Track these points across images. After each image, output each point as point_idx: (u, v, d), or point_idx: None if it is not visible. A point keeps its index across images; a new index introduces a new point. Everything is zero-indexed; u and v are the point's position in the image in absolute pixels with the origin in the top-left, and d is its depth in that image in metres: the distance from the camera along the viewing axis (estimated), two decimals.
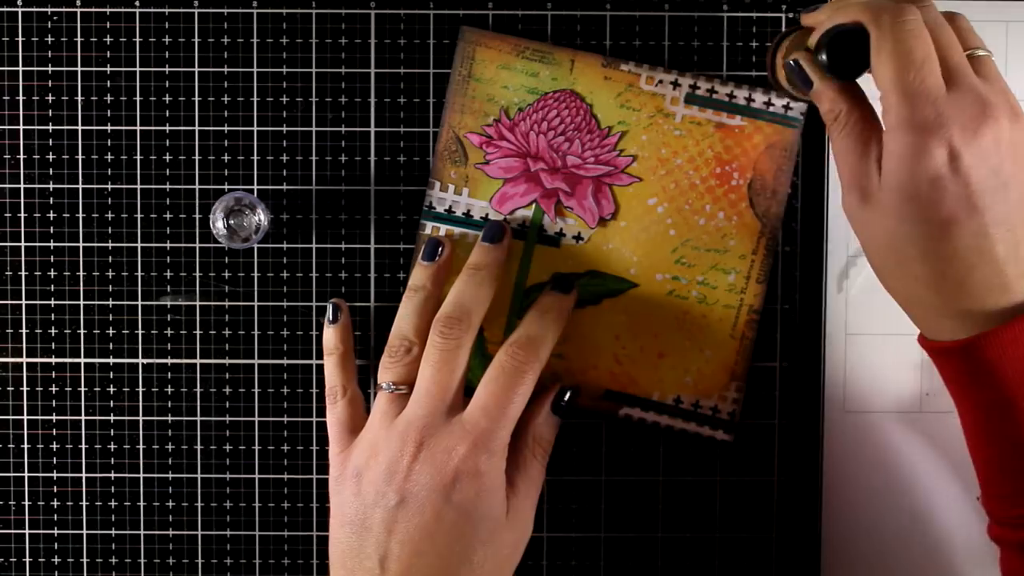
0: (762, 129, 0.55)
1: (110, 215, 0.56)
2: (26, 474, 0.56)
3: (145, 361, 0.56)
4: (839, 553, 0.57)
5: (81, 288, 0.56)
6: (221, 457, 0.56)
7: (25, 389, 0.56)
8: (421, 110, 0.56)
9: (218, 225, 0.53)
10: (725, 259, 0.55)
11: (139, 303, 0.56)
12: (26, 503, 0.56)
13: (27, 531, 0.56)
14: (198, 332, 0.56)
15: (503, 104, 0.55)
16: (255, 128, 0.56)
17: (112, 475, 0.56)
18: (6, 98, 0.55)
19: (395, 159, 0.56)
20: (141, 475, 0.56)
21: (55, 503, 0.56)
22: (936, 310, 0.45)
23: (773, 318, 0.56)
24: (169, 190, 0.56)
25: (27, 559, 0.56)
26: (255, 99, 0.56)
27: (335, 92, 0.56)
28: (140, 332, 0.56)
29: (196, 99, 0.55)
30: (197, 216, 0.56)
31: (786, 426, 0.57)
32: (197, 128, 0.55)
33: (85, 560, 0.56)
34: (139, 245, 0.56)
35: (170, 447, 0.56)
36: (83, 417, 0.56)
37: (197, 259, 0.56)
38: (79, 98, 0.55)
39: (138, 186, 0.56)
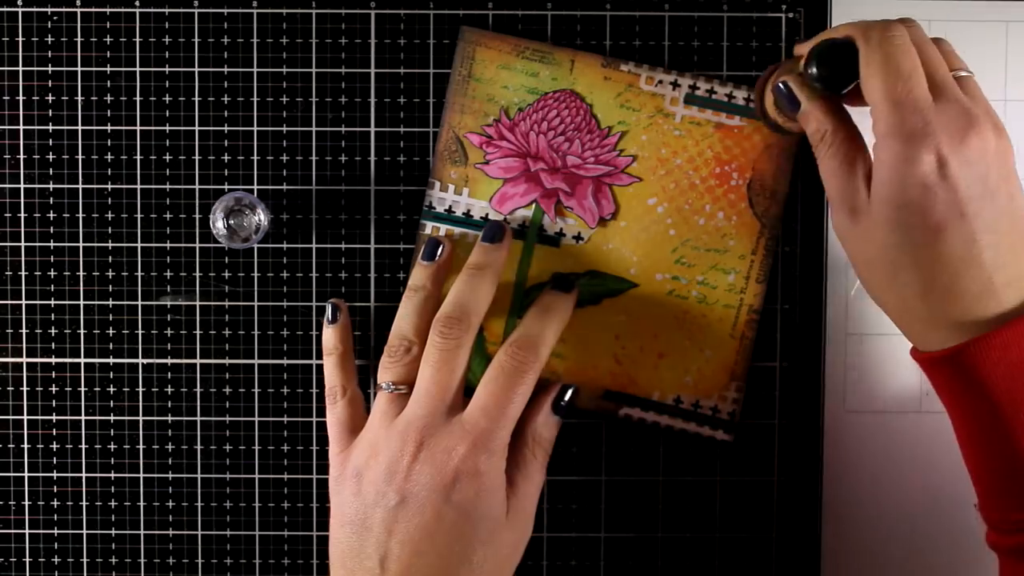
0: (761, 129, 0.55)
1: (110, 215, 0.56)
2: (26, 474, 0.56)
3: (145, 361, 0.56)
4: (839, 553, 0.57)
5: (81, 288, 0.56)
6: (221, 457, 0.56)
7: (25, 389, 0.56)
8: (421, 110, 0.56)
9: (218, 225, 0.53)
10: (725, 259, 0.55)
11: (139, 303, 0.56)
12: (26, 503, 0.56)
13: (27, 531, 0.56)
14: (198, 332, 0.56)
15: (503, 104, 0.55)
16: (255, 128, 0.56)
17: (112, 475, 0.56)
18: (6, 98, 0.55)
19: (395, 159, 0.56)
20: (141, 475, 0.56)
21: (55, 503, 0.56)
22: (926, 320, 0.46)
23: (773, 318, 0.56)
24: (169, 190, 0.56)
25: (27, 559, 0.56)
26: (255, 99, 0.56)
27: (335, 92, 0.56)
28: (140, 332, 0.56)
29: (196, 99, 0.55)
30: (197, 216, 0.56)
31: (786, 426, 0.57)
32: (197, 128, 0.56)
33: (85, 560, 0.56)
34: (139, 245, 0.56)
35: (170, 447, 0.56)
36: (83, 417, 0.56)
37: (197, 259, 0.56)
38: (79, 98, 0.55)
39: (138, 186, 0.56)
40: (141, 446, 0.56)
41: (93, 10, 0.55)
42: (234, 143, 0.56)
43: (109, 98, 0.55)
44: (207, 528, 0.57)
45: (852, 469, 0.56)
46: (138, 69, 0.55)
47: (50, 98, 0.55)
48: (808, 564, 0.57)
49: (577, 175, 0.55)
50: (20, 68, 0.55)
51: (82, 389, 0.56)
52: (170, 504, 0.56)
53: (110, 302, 0.56)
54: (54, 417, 0.56)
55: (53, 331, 0.56)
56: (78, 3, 0.55)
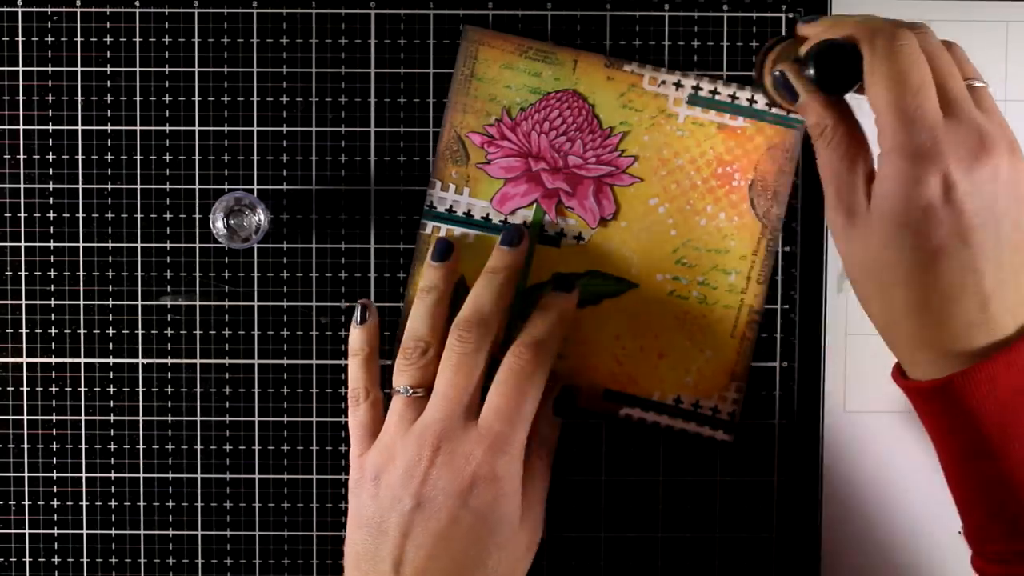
0: (764, 130, 0.55)
1: (110, 215, 0.56)
2: (26, 474, 0.56)
3: (145, 361, 0.56)
4: (839, 553, 0.57)
5: (81, 288, 0.56)
6: (221, 457, 0.56)
7: (25, 389, 0.56)
8: (421, 110, 0.56)
9: (218, 225, 0.53)
10: (726, 259, 0.55)
11: (139, 303, 0.56)
12: (26, 503, 0.56)
13: (27, 531, 0.56)
14: (198, 332, 0.56)
15: (505, 104, 0.55)
16: (255, 128, 0.56)
17: (112, 475, 0.56)
18: (6, 98, 0.55)
19: (395, 159, 0.56)
20: (141, 475, 0.56)
21: (55, 503, 0.56)
22: (913, 340, 0.44)
23: (773, 318, 0.56)
24: (169, 190, 0.56)
25: (27, 559, 0.56)
26: (255, 99, 0.56)
27: (335, 92, 0.56)
28: (140, 332, 0.56)
29: (196, 99, 0.55)
30: (197, 216, 0.56)
31: (786, 426, 0.57)
32: (197, 128, 0.55)
33: (85, 560, 0.56)
34: (139, 245, 0.56)
35: (170, 447, 0.56)
36: (83, 417, 0.56)
37: (197, 259, 0.56)
38: (79, 98, 0.55)
39: (138, 186, 0.56)
40: (141, 446, 0.56)
41: (93, 10, 0.55)
42: (234, 143, 0.56)
43: (109, 98, 0.55)
44: (207, 528, 0.56)
45: (852, 469, 0.57)
46: (138, 69, 0.55)
47: (50, 98, 0.55)
48: (808, 564, 0.57)
49: (578, 175, 0.55)
50: (20, 68, 0.55)
51: (82, 389, 0.56)
52: (170, 504, 0.56)
53: (110, 302, 0.56)
54: (54, 417, 0.56)
55: (53, 331, 0.56)
56: (78, 3, 0.55)
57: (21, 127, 0.55)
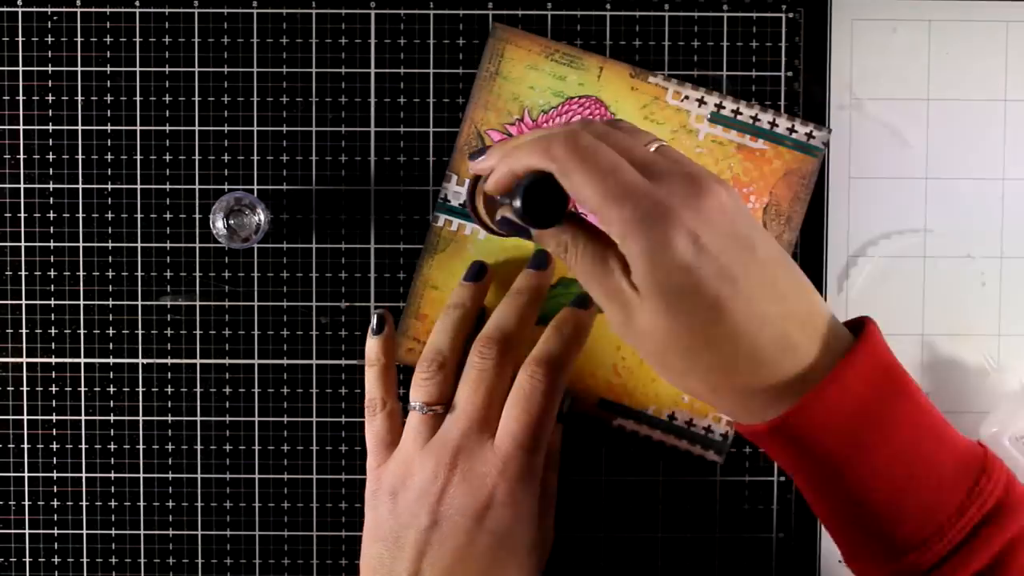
0: (783, 155, 0.55)
1: (110, 215, 0.56)
2: (26, 474, 0.56)
3: (145, 361, 0.56)
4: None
5: (81, 288, 0.56)
6: (221, 457, 0.56)
7: (25, 389, 0.56)
8: (421, 110, 0.56)
9: (218, 225, 0.53)
10: None
11: (139, 303, 0.56)
12: (26, 503, 0.56)
13: (27, 531, 0.56)
14: (198, 332, 0.56)
15: (527, 104, 0.55)
16: (255, 128, 0.56)
17: (112, 475, 0.56)
18: (6, 98, 0.55)
19: (395, 159, 0.56)
20: (141, 475, 0.56)
21: (55, 503, 0.56)
22: (741, 393, 0.43)
23: None
24: (169, 190, 0.56)
25: (27, 559, 0.56)
26: (255, 99, 0.56)
27: (335, 92, 0.56)
28: (140, 332, 0.56)
29: (196, 99, 0.55)
30: (197, 216, 0.56)
31: None
32: (197, 128, 0.55)
33: (85, 560, 0.56)
34: (139, 245, 0.56)
35: (170, 447, 0.56)
36: (83, 417, 0.56)
37: (197, 259, 0.56)
38: (79, 98, 0.55)
39: (138, 186, 0.56)
40: (141, 446, 0.56)
41: (93, 10, 0.55)
42: (234, 143, 0.56)
43: (109, 98, 0.55)
44: (207, 528, 0.56)
45: None
46: (138, 69, 0.55)
47: (50, 98, 0.55)
48: (808, 564, 0.57)
49: None
50: (20, 68, 0.55)
51: (82, 389, 0.56)
52: (170, 504, 0.56)
53: (110, 302, 0.56)
54: (54, 417, 0.56)
55: (53, 331, 0.56)
56: (78, 3, 0.55)
57: (21, 127, 0.55)
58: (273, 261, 0.56)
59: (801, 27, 0.56)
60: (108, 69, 0.55)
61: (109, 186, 0.56)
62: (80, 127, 0.55)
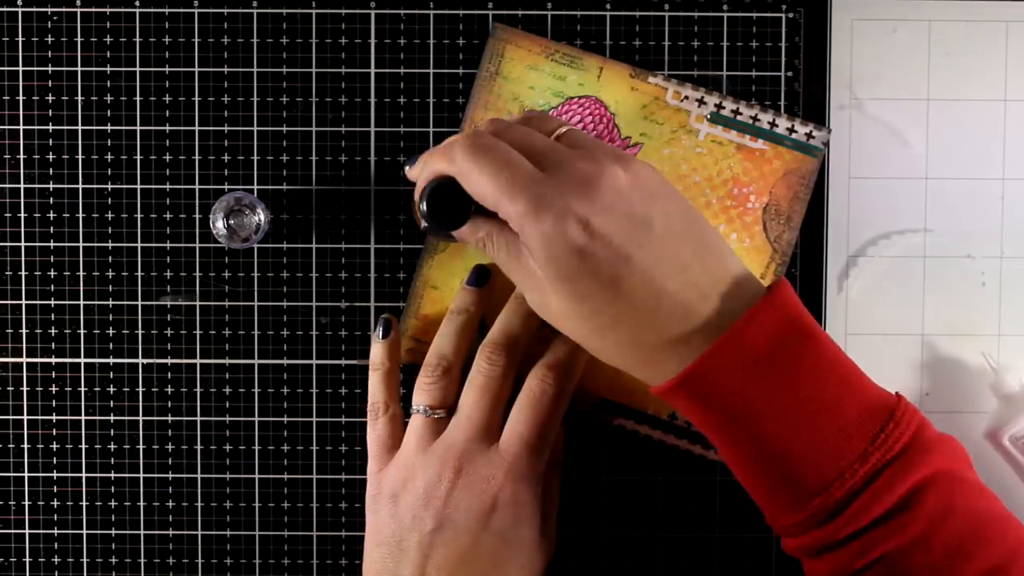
0: (783, 155, 0.55)
1: (110, 215, 0.56)
2: (26, 474, 0.56)
3: (145, 361, 0.56)
4: None
5: (81, 288, 0.56)
6: (221, 457, 0.56)
7: (25, 389, 0.56)
8: (421, 110, 0.56)
9: (218, 225, 0.53)
10: None
11: (139, 303, 0.56)
12: (26, 503, 0.56)
13: (27, 531, 0.56)
14: (198, 332, 0.56)
15: (527, 104, 0.55)
16: (255, 128, 0.56)
17: (112, 475, 0.56)
18: (6, 98, 0.55)
19: (395, 159, 0.56)
20: (141, 475, 0.56)
21: (55, 503, 0.56)
22: (651, 361, 0.45)
23: None
24: (169, 190, 0.56)
25: (27, 559, 0.56)
26: (255, 99, 0.56)
27: (335, 92, 0.56)
28: (140, 332, 0.56)
29: (196, 99, 0.55)
30: (197, 216, 0.56)
31: None
32: (197, 128, 0.55)
33: (85, 560, 0.56)
34: (139, 245, 0.56)
35: (170, 447, 0.56)
36: (83, 417, 0.56)
37: (197, 259, 0.56)
38: (79, 98, 0.55)
39: (138, 186, 0.56)
40: (141, 446, 0.56)
41: (93, 10, 0.55)
42: (234, 143, 0.56)
43: (109, 98, 0.55)
44: (207, 528, 0.56)
45: None
46: (138, 69, 0.55)
47: (50, 98, 0.55)
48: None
49: None
50: (20, 68, 0.55)
51: (82, 389, 0.56)
52: (170, 504, 0.56)
53: (110, 302, 0.56)
54: (54, 417, 0.56)
55: (53, 331, 0.56)
56: (78, 3, 0.55)
57: (21, 127, 0.55)
58: (273, 261, 0.56)
59: (801, 27, 0.56)
60: (108, 69, 0.55)
61: (109, 186, 0.56)
62: (80, 127, 0.55)
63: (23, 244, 0.56)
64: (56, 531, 0.56)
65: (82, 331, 0.56)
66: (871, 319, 0.56)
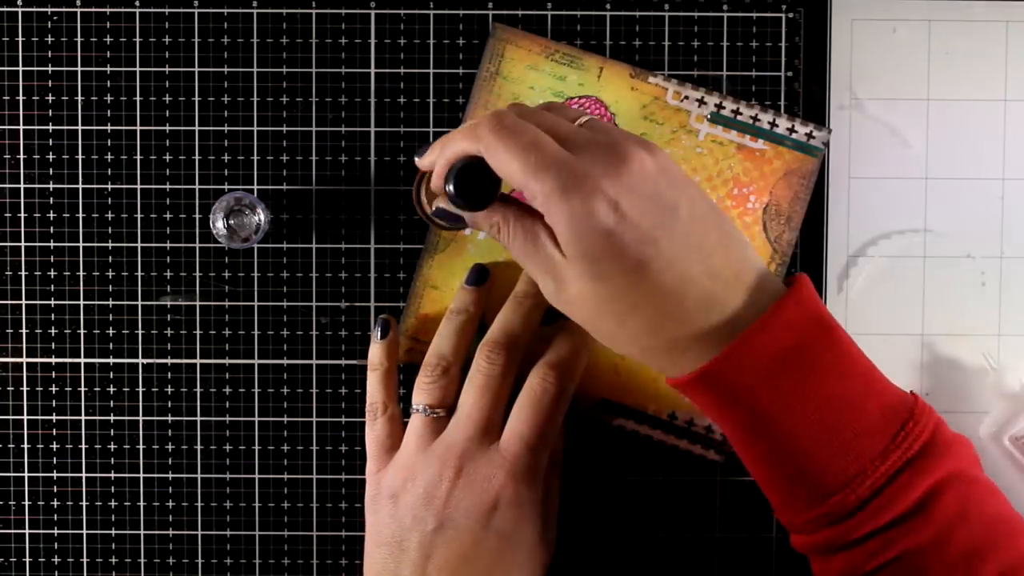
0: (783, 155, 0.55)
1: (110, 215, 0.56)
2: (26, 474, 0.56)
3: (145, 361, 0.56)
4: None
5: (81, 288, 0.56)
6: (221, 457, 0.56)
7: (25, 389, 0.56)
8: (421, 110, 0.56)
9: (218, 225, 0.53)
10: None
11: (139, 303, 0.56)
12: (26, 503, 0.56)
13: (27, 531, 0.56)
14: (198, 332, 0.56)
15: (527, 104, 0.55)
16: (255, 128, 0.56)
17: (112, 475, 0.56)
18: (6, 98, 0.55)
19: (395, 159, 0.56)
20: (141, 475, 0.56)
21: (55, 503, 0.56)
22: (669, 350, 0.44)
23: None
24: (169, 190, 0.56)
25: (27, 559, 0.56)
26: (255, 99, 0.56)
27: (335, 92, 0.56)
28: (140, 332, 0.56)
29: (196, 99, 0.55)
30: (197, 216, 0.56)
31: None
32: (197, 128, 0.55)
33: (85, 560, 0.56)
34: (139, 245, 0.56)
35: (170, 447, 0.56)
36: (83, 417, 0.56)
37: (197, 259, 0.56)
38: (79, 98, 0.55)
39: (138, 186, 0.56)
40: (141, 446, 0.56)
41: (93, 10, 0.55)
42: (234, 143, 0.56)
43: (109, 98, 0.55)
44: (207, 528, 0.56)
45: None
46: (138, 69, 0.55)
47: (50, 98, 0.55)
48: (807, 564, 0.57)
49: None
50: (20, 68, 0.55)
51: (82, 389, 0.56)
52: (170, 504, 0.56)
53: (110, 302, 0.56)
54: (54, 417, 0.56)
55: (53, 331, 0.56)
56: (78, 3, 0.55)
57: (21, 127, 0.55)
58: (273, 261, 0.56)
59: (801, 27, 0.56)
60: (108, 69, 0.55)
61: (109, 186, 0.56)
62: (80, 127, 0.55)
63: (23, 244, 0.56)
64: (56, 531, 0.56)
65: (82, 331, 0.56)
66: (871, 319, 0.56)
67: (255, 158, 0.56)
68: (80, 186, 0.56)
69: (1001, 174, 0.56)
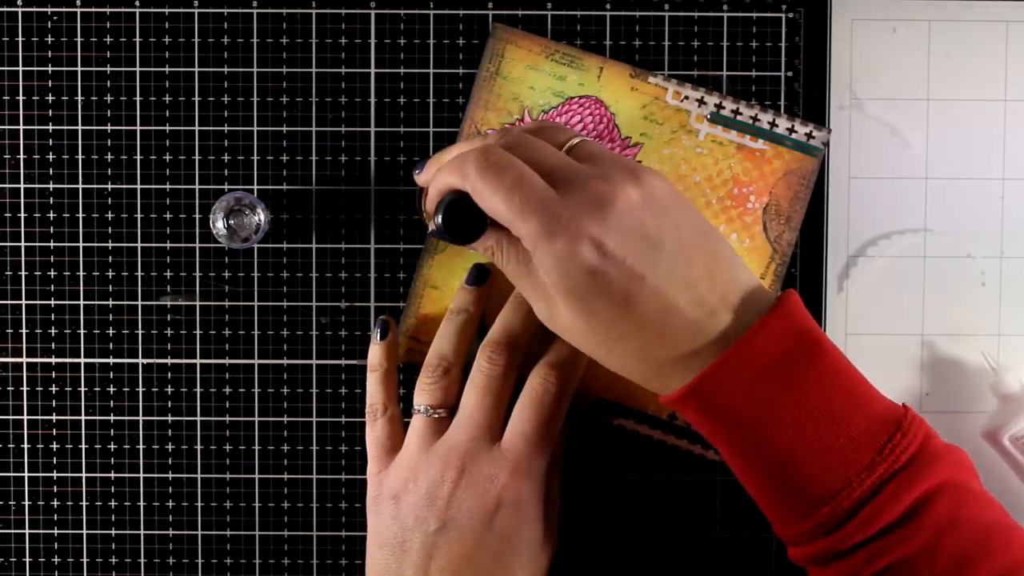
0: (783, 155, 0.55)
1: (110, 215, 0.56)
2: (26, 474, 0.56)
3: (145, 361, 0.56)
4: None
5: (81, 288, 0.56)
6: (221, 457, 0.56)
7: (25, 389, 0.56)
8: (421, 110, 0.56)
9: (218, 225, 0.53)
10: None
11: (139, 303, 0.56)
12: (26, 503, 0.56)
13: (27, 531, 0.56)
14: (198, 332, 0.56)
15: (527, 104, 0.55)
16: (255, 128, 0.56)
17: (112, 475, 0.56)
18: (6, 98, 0.55)
19: (395, 159, 0.56)
20: (141, 475, 0.56)
21: (55, 503, 0.56)
22: (657, 373, 0.45)
23: None
24: (169, 190, 0.56)
25: (27, 559, 0.56)
26: (255, 99, 0.56)
27: (335, 92, 0.56)
28: (140, 332, 0.56)
29: (196, 99, 0.55)
30: (197, 216, 0.56)
31: None
32: (197, 128, 0.55)
33: (85, 560, 0.56)
34: (139, 245, 0.56)
35: (170, 447, 0.56)
36: (83, 417, 0.56)
37: (197, 259, 0.56)
38: (79, 98, 0.55)
39: (138, 186, 0.56)
40: (141, 446, 0.56)
41: (93, 10, 0.55)
42: (234, 143, 0.56)
43: (109, 98, 0.55)
44: (207, 528, 0.56)
45: None
46: (138, 69, 0.55)
47: (50, 98, 0.55)
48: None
49: None
50: (20, 68, 0.55)
51: (82, 389, 0.56)
52: (170, 504, 0.56)
53: (110, 302, 0.56)
54: (54, 417, 0.56)
55: (53, 331, 0.56)
56: (78, 3, 0.55)
57: (21, 127, 0.55)
58: (273, 261, 0.56)
59: (801, 27, 0.56)
60: (108, 69, 0.55)
61: (109, 186, 0.56)
62: (80, 127, 0.55)
63: (23, 244, 0.56)
64: (56, 531, 0.56)
65: (82, 331, 0.56)
66: (871, 319, 0.56)
67: (255, 158, 0.56)
68: (80, 186, 0.56)
69: (1001, 174, 0.56)
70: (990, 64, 0.56)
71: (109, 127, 0.55)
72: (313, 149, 0.56)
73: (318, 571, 0.57)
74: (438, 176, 0.46)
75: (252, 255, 0.56)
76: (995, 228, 0.56)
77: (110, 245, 0.56)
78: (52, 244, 0.56)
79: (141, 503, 0.56)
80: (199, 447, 0.56)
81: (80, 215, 0.56)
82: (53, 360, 0.56)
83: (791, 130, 0.55)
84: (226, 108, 0.55)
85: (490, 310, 0.54)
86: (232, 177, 0.56)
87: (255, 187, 0.56)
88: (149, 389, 0.56)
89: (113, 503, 0.56)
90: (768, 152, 0.55)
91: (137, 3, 0.55)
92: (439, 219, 0.45)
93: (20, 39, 0.55)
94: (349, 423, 0.56)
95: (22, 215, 0.56)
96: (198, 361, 0.56)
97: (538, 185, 0.43)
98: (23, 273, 0.56)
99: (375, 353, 0.54)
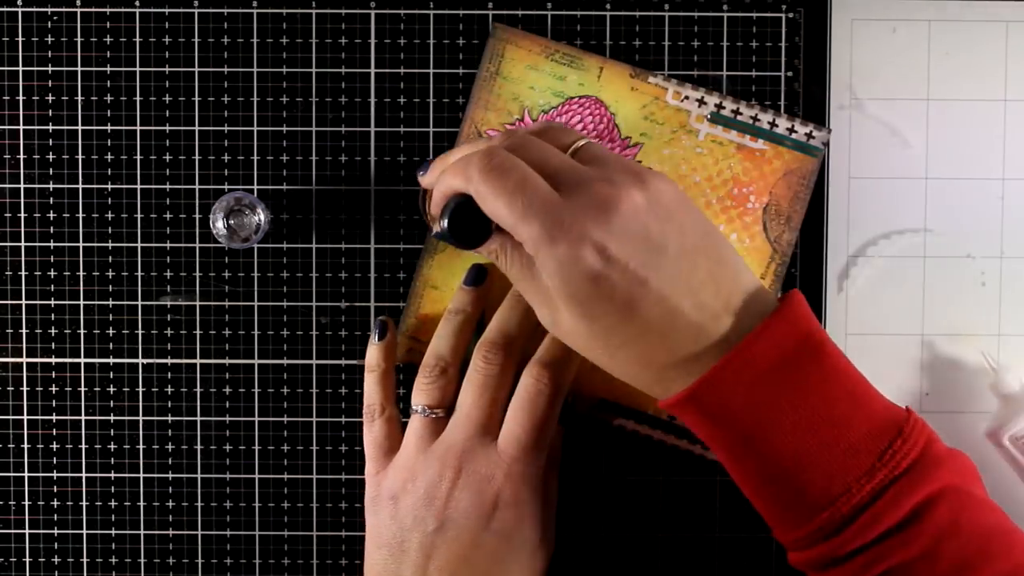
0: (783, 155, 0.55)
1: (110, 215, 0.56)
2: (26, 474, 0.56)
3: (145, 361, 0.56)
4: None
5: (81, 288, 0.56)
6: (221, 457, 0.56)
7: (25, 389, 0.56)
8: (421, 110, 0.56)
9: (218, 225, 0.53)
10: None
11: (139, 303, 0.56)
12: (26, 503, 0.56)
13: (27, 531, 0.56)
14: (198, 332, 0.56)
15: (527, 104, 0.55)
16: (255, 128, 0.56)
17: (112, 475, 0.56)
18: (6, 98, 0.55)
19: (395, 159, 0.56)
20: (141, 475, 0.56)
21: (55, 503, 0.56)
22: (659, 378, 0.45)
23: None
24: (169, 190, 0.56)
25: (27, 559, 0.56)
26: (255, 99, 0.56)
27: (335, 92, 0.56)
28: (140, 332, 0.56)
29: (196, 99, 0.55)
30: (197, 216, 0.56)
31: None
32: (197, 128, 0.56)
33: (85, 560, 0.56)
34: (139, 245, 0.56)
35: (170, 447, 0.56)
36: (83, 417, 0.56)
37: (197, 259, 0.56)
38: (79, 98, 0.55)
39: (138, 186, 0.56)
40: (141, 446, 0.56)
41: (93, 10, 0.55)
42: (234, 143, 0.56)
43: (109, 98, 0.55)
44: (207, 528, 0.56)
45: None
46: (138, 69, 0.55)
47: (50, 98, 0.55)
48: None
49: None
50: (20, 68, 0.55)
51: (82, 389, 0.56)
52: (170, 504, 0.56)
53: (110, 302, 0.56)
54: (54, 417, 0.56)
55: (53, 331, 0.56)
56: (78, 3, 0.55)
57: (21, 127, 0.55)
58: (273, 261, 0.56)
59: (801, 27, 0.56)
60: (108, 69, 0.55)
61: (109, 186, 0.56)
62: (80, 127, 0.55)
63: (23, 244, 0.56)
64: (56, 531, 0.56)
65: (82, 331, 0.56)
66: (871, 319, 0.56)
67: (255, 158, 0.56)
68: (80, 186, 0.56)
69: (1001, 174, 0.56)
70: (990, 64, 0.56)
71: (109, 127, 0.55)
72: (313, 149, 0.56)
73: (318, 571, 0.57)
74: (442, 178, 0.46)
75: (252, 255, 0.56)
76: (995, 228, 0.56)
77: (110, 245, 0.56)
78: (52, 244, 0.56)
79: (141, 503, 0.56)
80: (199, 447, 0.56)
81: (80, 215, 0.56)
82: (53, 360, 0.56)
83: (791, 130, 0.55)
84: (226, 108, 0.55)
85: (489, 310, 0.54)
86: (232, 177, 0.56)
87: (255, 187, 0.56)
88: (149, 389, 0.56)
89: (113, 503, 0.56)
90: (768, 152, 0.55)
91: (137, 3, 0.55)
92: (444, 224, 0.45)
93: (20, 39, 0.55)
94: (349, 423, 0.56)
95: (22, 215, 0.56)
96: (198, 361, 0.56)
97: (541, 188, 0.43)
98: (23, 273, 0.56)
99: (373, 354, 0.54)
